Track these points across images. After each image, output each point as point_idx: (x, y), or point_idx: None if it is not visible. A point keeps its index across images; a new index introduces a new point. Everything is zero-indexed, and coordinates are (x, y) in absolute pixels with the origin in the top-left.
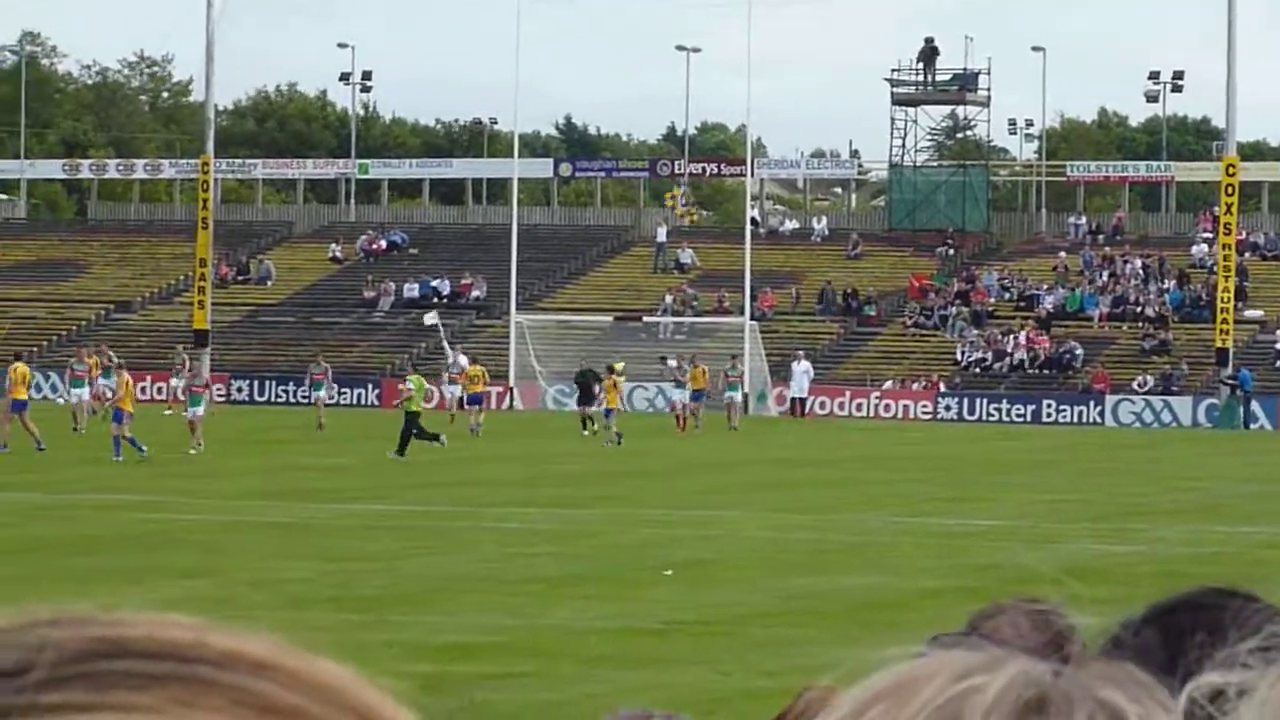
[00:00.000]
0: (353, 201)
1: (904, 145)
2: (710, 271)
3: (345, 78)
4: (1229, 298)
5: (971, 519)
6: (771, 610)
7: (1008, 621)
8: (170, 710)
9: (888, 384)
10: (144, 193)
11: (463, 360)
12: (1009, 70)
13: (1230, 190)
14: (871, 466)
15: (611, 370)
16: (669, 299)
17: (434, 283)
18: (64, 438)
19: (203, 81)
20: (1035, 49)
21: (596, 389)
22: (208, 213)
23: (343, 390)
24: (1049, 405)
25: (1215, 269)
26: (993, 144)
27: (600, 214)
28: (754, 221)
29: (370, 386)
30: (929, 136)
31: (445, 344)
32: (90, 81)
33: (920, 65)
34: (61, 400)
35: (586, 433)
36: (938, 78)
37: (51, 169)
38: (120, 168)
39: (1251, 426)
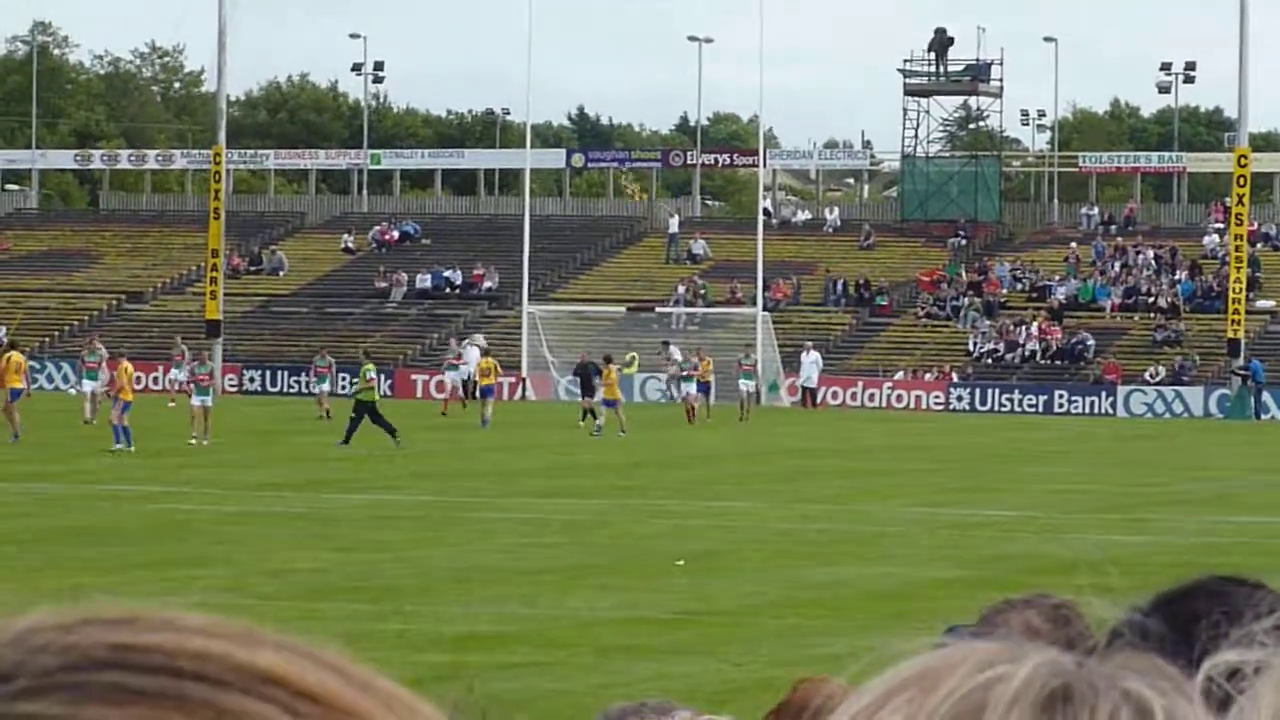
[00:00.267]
0: (365, 192)
1: (916, 136)
2: (723, 262)
3: (357, 68)
4: (1241, 288)
5: (983, 509)
6: (783, 600)
7: (1018, 616)
8: None
9: (900, 375)
10: (156, 183)
11: (476, 350)
12: (1021, 61)
13: (1242, 181)
14: (883, 457)
15: (609, 361)
16: (681, 290)
17: (446, 273)
18: (76, 428)
19: (214, 72)
20: (1048, 40)
21: (596, 380)
22: (220, 203)
23: (355, 381)
24: (1061, 396)
25: (1227, 260)
26: (1005, 135)
27: (613, 204)
28: (766, 212)
29: (383, 377)
30: (941, 127)
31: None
32: (102, 72)
33: (933, 56)
34: (73, 391)
35: (588, 421)
36: (950, 68)
37: (63, 159)
38: (132, 158)
39: (1263, 417)
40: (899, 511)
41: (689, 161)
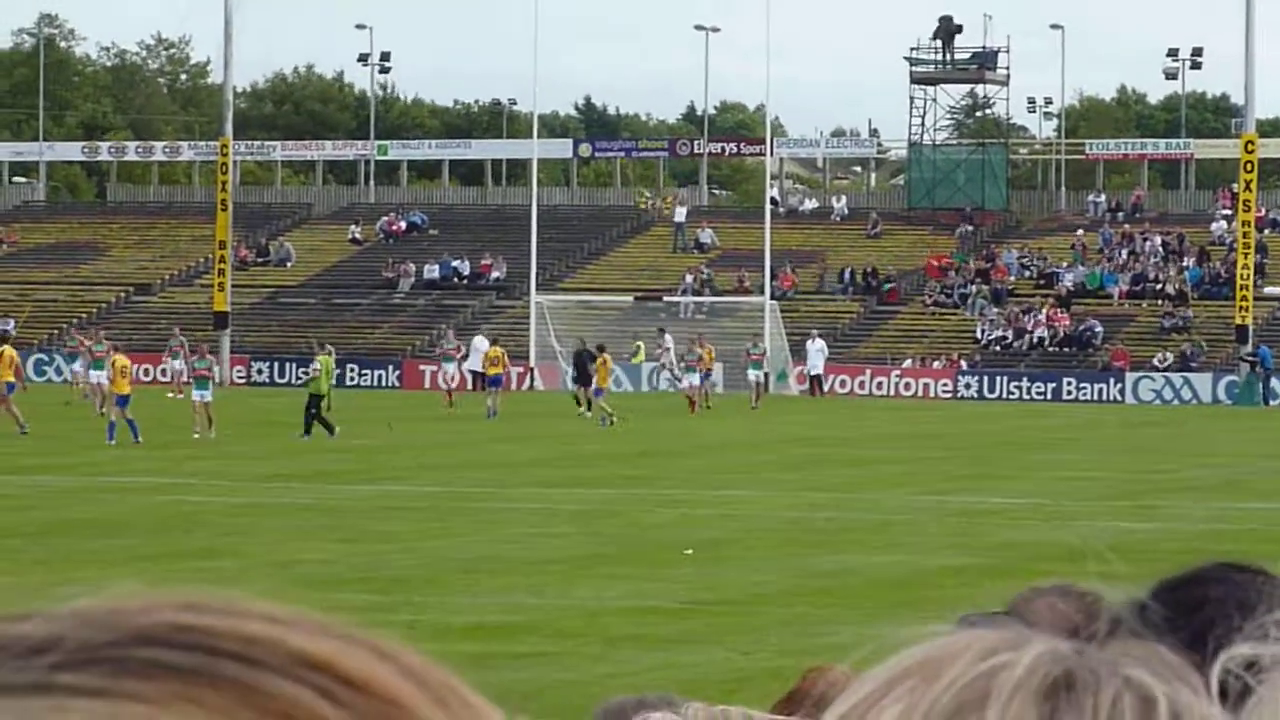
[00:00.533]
0: (372, 183)
1: (923, 124)
2: (730, 251)
3: (364, 59)
4: (1248, 274)
5: (992, 497)
6: (792, 589)
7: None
8: (171, 705)
9: (908, 363)
10: (163, 175)
11: (484, 340)
12: (1028, 48)
13: (1249, 167)
14: (892, 445)
15: (602, 350)
16: (689, 279)
17: (454, 263)
18: (84, 420)
19: (220, 63)
20: (1054, 27)
21: (590, 368)
22: (227, 195)
23: (363, 371)
24: (1069, 383)
25: (1234, 246)
26: (1012, 122)
27: (620, 194)
28: (773, 201)
29: (391, 368)
30: (948, 115)
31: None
32: (108, 64)
33: (939, 44)
34: (80, 384)
35: (582, 409)
36: (957, 56)
37: (71, 151)
38: (139, 150)
39: (1271, 403)
40: (907, 499)
41: (696, 151)
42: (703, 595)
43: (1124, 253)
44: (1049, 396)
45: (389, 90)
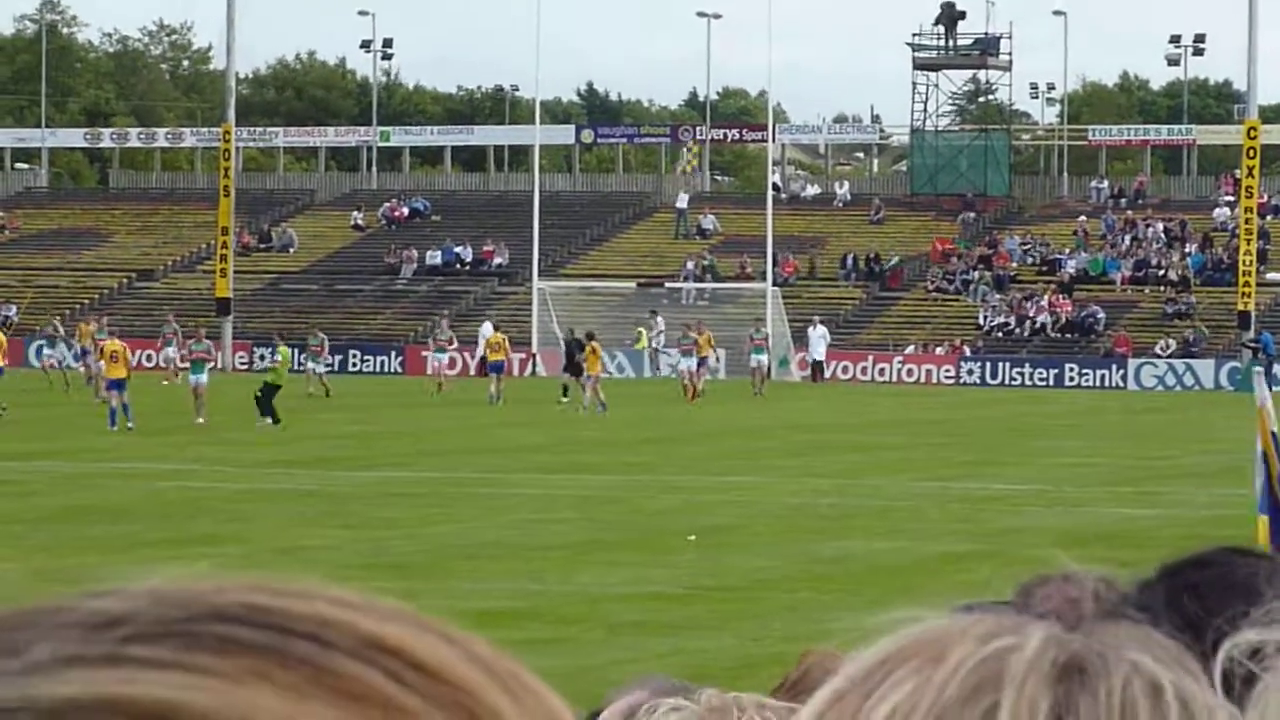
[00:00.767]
0: (374, 169)
1: (925, 110)
2: (732, 237)
3: (366, 45)
4: (1251, 261)
5: (994, 483)
6: (795, 575)
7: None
8: (242, 680)
9: (910, 349)
10: (165, 161)
11: (488, 325)
12: (1030, 34)
13: (1252, 153)
14: (894, 431)
15: (591, 338)
16: (691, 265)
17: (456, 250)
18: (87, 406)
19: (223, 49)
20: (1057, 13)
21: (579, 357)
22: (229, 181)
23: (365, 358)
24: (1071, 369)
25: (1237, 232)
26: (1014, 108)
27: (622, 180)
28: (776, 187)
29: (393, 354)
30: (951, 101)
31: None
32: (111, 50)
33: (942, 29)
34: (82, 369)
35: (565, 401)
36: (959, 42)
37: (73, 138)
38: (142, 136)
39: (1274, 390)
40: (909, 486)
41: (698, 137)
42: (705, 581)
43: (1126, 239)
44: (1051, 383)
45: (391, 76)
